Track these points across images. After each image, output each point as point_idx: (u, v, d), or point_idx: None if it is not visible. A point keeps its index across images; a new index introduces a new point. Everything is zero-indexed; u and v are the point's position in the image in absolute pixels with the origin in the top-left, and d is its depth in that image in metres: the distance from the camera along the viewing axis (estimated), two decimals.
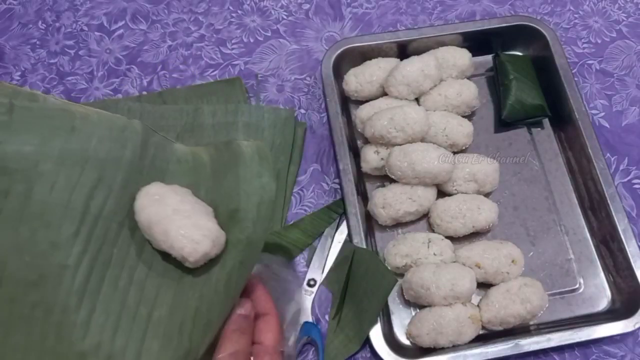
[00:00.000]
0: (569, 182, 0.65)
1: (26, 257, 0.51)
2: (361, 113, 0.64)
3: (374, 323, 0.55)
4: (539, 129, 0.68)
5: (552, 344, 0.55)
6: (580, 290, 0.60)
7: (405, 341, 0.57)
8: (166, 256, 0.48)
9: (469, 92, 0.65)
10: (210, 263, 0.47)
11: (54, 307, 0.50)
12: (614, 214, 0.60)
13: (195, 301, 0.46)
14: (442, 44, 0.68)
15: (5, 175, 0.52)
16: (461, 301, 0.55)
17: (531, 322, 0.58)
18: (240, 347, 0.44)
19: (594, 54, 0.74)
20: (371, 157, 0.62)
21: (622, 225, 0.59)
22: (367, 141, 0.64)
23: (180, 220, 0.47)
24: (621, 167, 0.67)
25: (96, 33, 0.75)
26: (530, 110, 0.67)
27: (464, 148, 0.64)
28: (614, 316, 0.57)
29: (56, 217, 0.51)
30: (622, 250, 0.58)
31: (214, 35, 0.75)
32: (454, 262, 0.58)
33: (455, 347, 0.55)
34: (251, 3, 0.77)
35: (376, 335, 0.55)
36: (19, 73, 0.72)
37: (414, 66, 0.63)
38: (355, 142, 0.67)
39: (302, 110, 0.70)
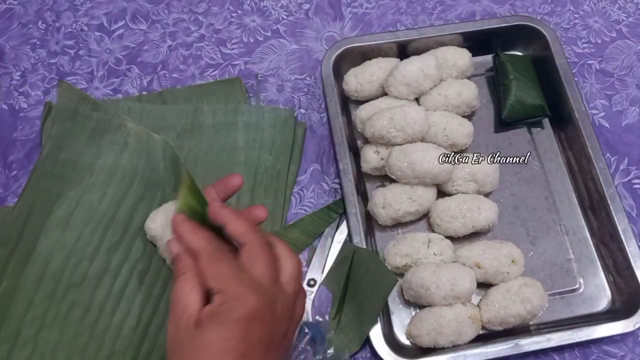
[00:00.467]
0: (569, 182, 0.65)
1: (71, 259, 0.54)
2: (361, 113, 0.64)
3: (374, 323, 0.55)
4: (539, 129, 0.68)
5: (552, 344, 0.55)
6: (580, 290, 0.60)
7: (405, 341, 0.57)
8: None
9: (469, 92, 0.65)
10: None
11: (90, 308, 0.54)
12: (614, 214, 0.60)
13: None
14: (442, 44, 0.68)
15: (62, 180, 0.56)
16: (461, 301, 0.55)
17: (531, 322, 0.58)
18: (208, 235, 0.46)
19: (594, 54, 0.74)
20: (371, 157, 0.62)
21: (622, 225, 0.59)
22: (367, 141, 0.64)
23: None
24: (621, 167, 0.67)
25: (96, 33, 0.75)
26: (530, 110, 0.67)
27: (464, 148, 0.64)
28: (614, 316, 0.57)
29: (102, 226, 0.56)
30: (622, 250, 0.58)
31: (214, 35, 0.75)
32: (454, 262, 0.58)
33: (455, 347, 0.55)
34: (251, 3, 0.77)
35: (376, 335, 0.55)
36: (19, 73, 0.72)
37: (414, 66, 0.63)
38: (355, 142, 0.67)
39: (302, 110, 0.70)
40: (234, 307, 0.40)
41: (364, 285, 0.57)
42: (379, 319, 0.56)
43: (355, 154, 0.65)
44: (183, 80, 0.72)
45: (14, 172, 0.65)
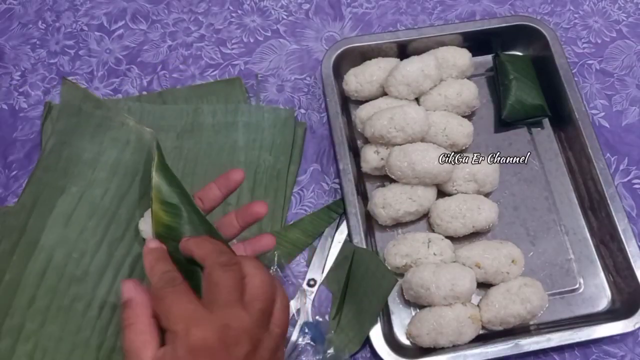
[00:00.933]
0: (569, 182, 0.65)
1: (74, 253, 0.55)
2: (361, 113, 0.64)
3: (374, 323, 0.55)
4: (539, 129, 0.68)
5: (552, 344, 0.55)
6: (580, 290, 0.60)
7: (405, 341, 0.57)
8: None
9: (469, 92, 0.65)
10: None
11: (93, 303, 0.54)
12: (614, 214, 0.60)
13: None
14: (442, 44, 0.68)
15: (65, 175, 0.57)
16: (461, 301, 0.55)
17: (531, 322, 0.58)
18: (163, 267, 0.43)
19: (594, 54, 0.74)
20: (371, 157, 0.62)
21: (622, 225, 0.59)
22: (367, 141, 0.64)
23: None
24: (621, 167, 0.67)
25: (96, 33, 0.75)
26: (530, 110, 0.67)
27: (464, 148, 0.64)
28: (614, 316, 0.57)
29: (105, 221, 0.56)
30: (622, 250, 0.58)
31: (214, 35, 0.75)
32: (454, 262, 0.58)
33: (455, 347, 0.55)
34: (251, 3, 0.77)
35: (376, 335, 0.55)
36: (19, 73, 0.72)
37: (414, 66, 0.63)
38: (355, 142, 0.67)
39: (302, 110, 0.70)
40: (176, 347, 0.37)
41: (364, 285, 0.57)
42: (379, 319, 0.56)
43: (355, 154, 0.65)
44: (183, 80, 0.72)
45: (14, 172, 0.65)
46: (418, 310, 0.58)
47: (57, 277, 0.55)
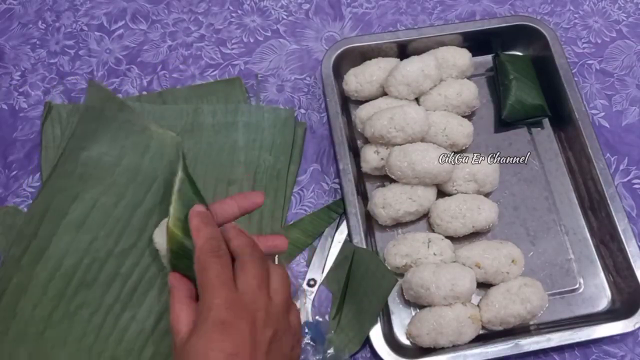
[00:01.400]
0: (569, 182, 0.65)
1: (84, 260, 0.54)
2: (361, 113, 0.64)
3: (374, 323, 0.55)
4: (539, 129, 0.68)
5: (552, 344, 0.55)
6: (580, 290, 0.60)
7: (405, 341, 0.57)
8: None
9: (469, 92, 0.65)
10: None
11: (99, 310, 0.54)
12: (614, 214, 0.60)
13: None
14: (442, 44, 0.68)
15: (81, 180, 0.56)
16: (461, 301, 0.55)
17: (531, 322, 0.58)
18: (210, 233, 0.45)
19: (594, 54, 0.74)
20: (371, 157, 0.62)
21: (622, 225, 0.59)
22: (367, 141, 0.64)
23: None
24: (621, 167, 0.67)
25: (96, 33, 0.75)
26: (530, 110, 0.67)
27: (464, 148, 0.64)
28: (614, 316, 0.57)
29: (117, 230, 0.56)
30: (622, 250, 0.58)
31: (214, 35, 0.75)
32: (454, 262, 0.58)
33: (455, 347, 0.55)
34: (251, 3, 0.77)
35: (376, 335, 0.55)
36: (19, 73, 0.72)
37: (414, 66, 0.63)
38: (355, 142, 0.67)
39: (302, 110, 0.70)
40: (207, 318, 0.40)
41: (364, 285, 0.57)
42: (379, 319, 0.56)
43: (355, 154, 0.65)
44: (183, 80, 0.72)
45: (14, 172, 0.65)
46: (418, 310, 0.58)
47: (65, 283, 0.55)
